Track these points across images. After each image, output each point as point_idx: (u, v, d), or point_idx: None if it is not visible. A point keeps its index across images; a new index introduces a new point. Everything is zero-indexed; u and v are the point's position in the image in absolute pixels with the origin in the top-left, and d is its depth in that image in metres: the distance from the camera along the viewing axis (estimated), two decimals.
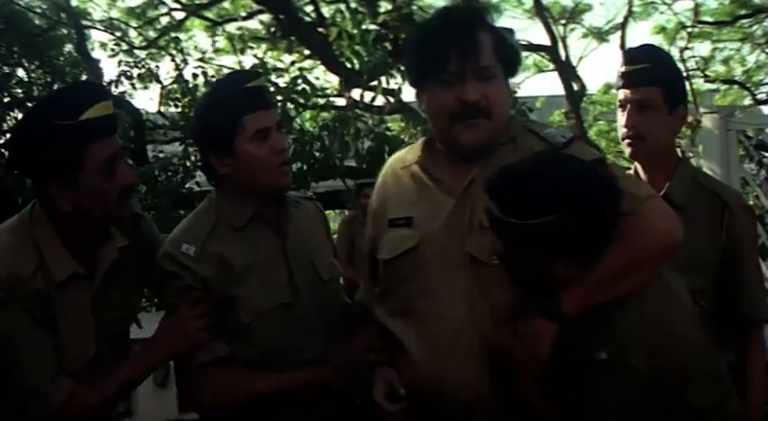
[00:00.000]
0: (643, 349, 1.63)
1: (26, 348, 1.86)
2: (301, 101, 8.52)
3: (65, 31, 10.42)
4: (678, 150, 2.47)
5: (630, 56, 2.35)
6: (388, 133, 8.11)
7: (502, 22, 11.80)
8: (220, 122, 1.97)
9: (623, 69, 2.32)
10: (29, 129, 1.90)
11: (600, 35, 13.84)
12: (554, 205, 1.58)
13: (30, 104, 8.41)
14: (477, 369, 1.77)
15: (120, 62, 10.84)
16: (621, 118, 2.32)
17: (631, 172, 2.39)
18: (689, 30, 11.74)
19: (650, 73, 2.27)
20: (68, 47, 10.13)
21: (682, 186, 2.28)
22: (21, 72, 8.97)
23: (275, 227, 2.06)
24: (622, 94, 2.32)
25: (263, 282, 2.00)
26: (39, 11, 10.11)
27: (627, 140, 2.31)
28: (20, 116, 8.89)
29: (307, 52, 10.92)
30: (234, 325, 1.97)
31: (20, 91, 8.81)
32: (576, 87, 11.63)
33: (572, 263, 1.66)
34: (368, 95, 9.68)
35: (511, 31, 1.97)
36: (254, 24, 12.57)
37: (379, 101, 9.53)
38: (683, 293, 1.79)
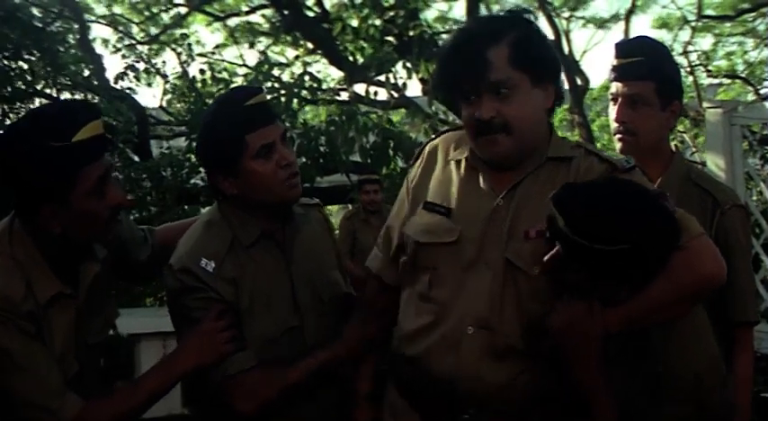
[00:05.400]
0: (690, 368, 1.71)
1: (29, 365, 1.81)
2: (304, 94, 8.51)
3: (67, 26, 10.41)
4: (673, 144, 2.39)
5: (622, 48, 2.27)
6: (394, 128, 8.10)
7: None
8: (224, 143, 1.95)
9: (615, 62, 2.25)
10: (19, 148, 1.79)
11: (602, 24, 13.81)
12: (628, 236, 1.59)
13: (36, 100, 8.43)
14: (491, 369, 1.78)
15: (123, 56, 10.87)
16: (613, 112, 2.26)
17: None
18: (692, 24, 11.72)
19: (643, 67, 2.20)
20: (71, 40, 10.11)
21: (674, 182, 2.23)
22: (22, 65, 8.95)
23: (281, 245, 2.06)
24: (614, 87, 2.25)
25: (271, 310, 2.00)
26: (40, 4, 10.08)
27: (618, 135, 2.25)
28: (22, 111, 8.89)
29: (310, 46, 10.93)
30: None
31: (22, 84, 8.78)
32: (579, 82, 11.62)
33: (622, 287, 1.68)
34: (372, 90, 9.69)
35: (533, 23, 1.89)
36: (257, 19, 12.60)
37: (383, 95, 9.54)
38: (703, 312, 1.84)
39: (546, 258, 1.71)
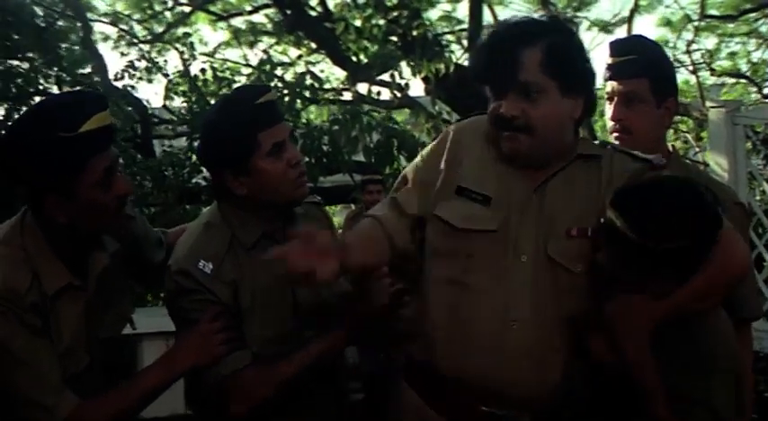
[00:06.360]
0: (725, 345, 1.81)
1: (29, 360, 1.81)
2: (306, 94, 8.51)
3: (69, 24, 10.42)
4: (671, 144, 2.39)
5: (616, 47, 2.28)
6: (397, 127, 8.09)
7: (505, 14, 11.82)
8: (235, 141, 1.94)
9: (609, 61, 2.26)
10: (26, 139, 1.79)
11: (605, 27, 13.79)
12: (689, 233, 1.68)
13: (37, 98, 8.43)
14: (533, 367, 1.79)
15: (122, 54, 10.87)
16: (609, 111, 2.27)
17: None
18: (695, 23, 11.71)
19: (636, 65, 2.21)
20: (73, 38, 10.11)
21: None
22: (25, 65, 8.95)
23: (281, 245, 2.04)
24: (609, 86, 2.26)
25: (271, 310, 2.00)
26: (43, 3, 10.08)
27: (614, 134, 2.26)
28: (24, 110, 8.88)
29: (313, 46, 10.93)
30: None
31: (25, 84, 8.77)
32: None
33: (671, 282, 1.75)
34: (375, 90, 9.68)
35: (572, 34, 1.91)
36: (259, 18, 12.59)
37: (386, 95, 9.53)
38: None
39: (600, 260, 1.77)
